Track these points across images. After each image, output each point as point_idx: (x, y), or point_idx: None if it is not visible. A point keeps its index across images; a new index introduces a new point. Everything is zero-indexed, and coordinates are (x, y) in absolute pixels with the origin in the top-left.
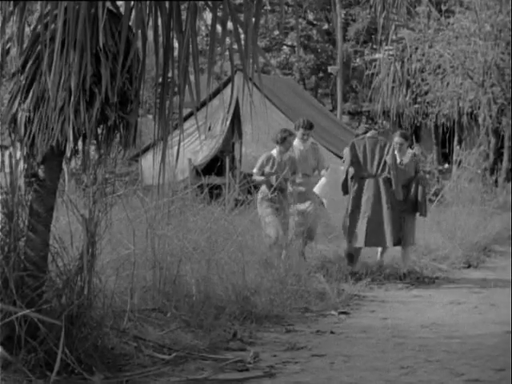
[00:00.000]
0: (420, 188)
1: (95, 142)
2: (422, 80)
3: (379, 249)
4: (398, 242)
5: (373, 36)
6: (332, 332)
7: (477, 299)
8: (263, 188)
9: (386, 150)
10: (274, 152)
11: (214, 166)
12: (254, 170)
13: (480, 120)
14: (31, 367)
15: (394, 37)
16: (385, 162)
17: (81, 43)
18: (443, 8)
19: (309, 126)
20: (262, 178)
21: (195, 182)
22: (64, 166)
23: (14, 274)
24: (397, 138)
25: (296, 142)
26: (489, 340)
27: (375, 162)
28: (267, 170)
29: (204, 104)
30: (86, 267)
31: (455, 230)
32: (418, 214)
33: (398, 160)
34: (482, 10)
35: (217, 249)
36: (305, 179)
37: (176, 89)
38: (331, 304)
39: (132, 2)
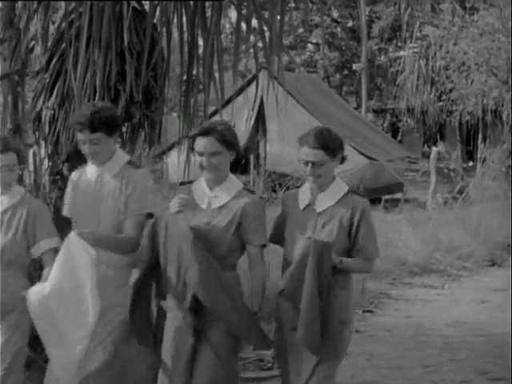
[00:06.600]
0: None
1: (120, 140)
2: (447, 77)
3: None
4: None
5: (397, 33)
6: (356, 330)
7: (500, 297)
8: None
9: None
10: None
11: (238, 163)
12: None
13: (504, 117)
14: None
15: (418, 34)
16: None
17: (105, 41)
18: (467, 5)
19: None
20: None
21: None
22: None
23: (38, 273)
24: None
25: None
26: None
27: None
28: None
29: (229, 102)
30: None
31: (479, 227)
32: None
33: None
34: (506, 7)
35: None
36: None
37: (201, 86)
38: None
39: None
